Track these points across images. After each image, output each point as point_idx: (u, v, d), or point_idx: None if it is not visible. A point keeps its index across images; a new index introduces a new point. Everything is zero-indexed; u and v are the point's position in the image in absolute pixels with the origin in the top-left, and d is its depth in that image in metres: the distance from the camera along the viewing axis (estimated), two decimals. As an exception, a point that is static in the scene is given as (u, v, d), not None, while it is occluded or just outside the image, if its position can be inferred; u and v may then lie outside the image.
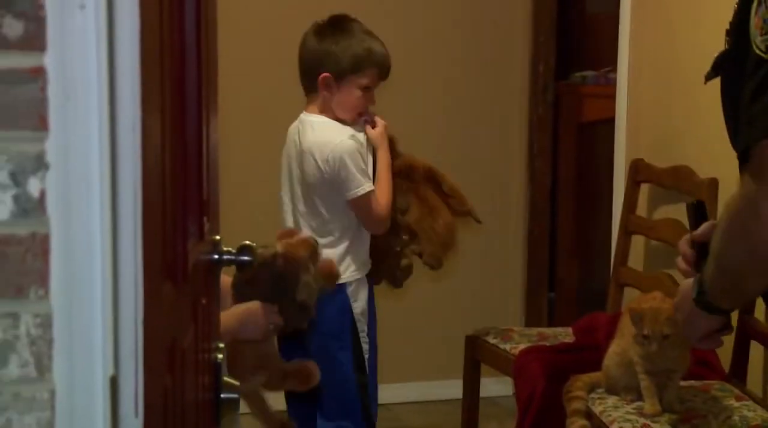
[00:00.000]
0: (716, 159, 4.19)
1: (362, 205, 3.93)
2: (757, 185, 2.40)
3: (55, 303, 1.60)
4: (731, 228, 2.54)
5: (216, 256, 2.57)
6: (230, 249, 2.64)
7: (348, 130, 3.94)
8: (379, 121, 3.97)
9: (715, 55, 2.80)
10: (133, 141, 1.69)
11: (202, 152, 2.41)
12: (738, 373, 4.11)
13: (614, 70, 4.99)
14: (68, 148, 1.60)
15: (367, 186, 3.88)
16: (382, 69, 3.90)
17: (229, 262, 2.66)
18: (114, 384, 1.68)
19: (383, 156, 4.00)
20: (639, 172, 4.72)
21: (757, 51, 2.44)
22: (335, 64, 3.85)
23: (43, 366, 1.62)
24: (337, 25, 3.93)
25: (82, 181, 1.61)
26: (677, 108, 4.48)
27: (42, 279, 1.61)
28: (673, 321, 3.65)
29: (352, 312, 4.11)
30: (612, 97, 4.93)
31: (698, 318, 2.74)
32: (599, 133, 5.59)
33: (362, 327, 4.18)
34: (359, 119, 3.95)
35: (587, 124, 5.58)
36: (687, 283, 2.76)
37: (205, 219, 2.41)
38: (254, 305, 3.35)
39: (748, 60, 2.50)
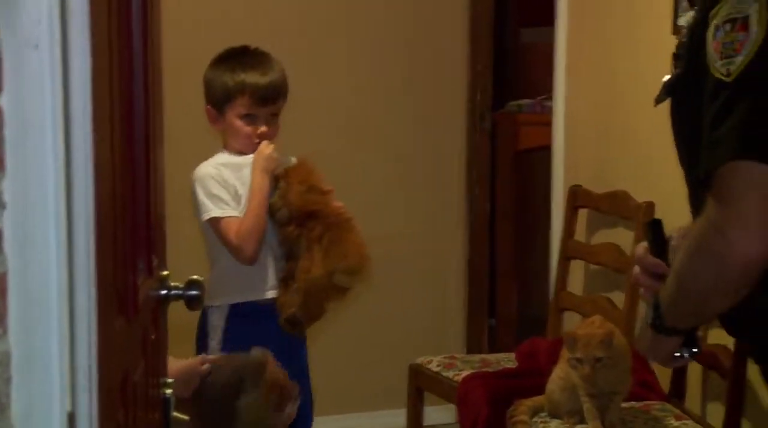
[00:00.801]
0: (652, 183, 4.33)
1: (212, 230, 3.88)
2: (722, 209, 2.46)
3: (14, 341, 1.64)
4: (697, 252, 2.57)
5: (164, 292, 2.60)
6: (178, 284, 2.66)
7: (220, 158, 3.94)
8: (263, 147, 3.90)
9: (653, 79, 2.86)
10: (86, 181, 1.73)
11: (150, 190, 2.49)
12: (677, 393, 4.18)
13: (550, 97, 5.05)
14: (25, 188, 1.63)
15: (213, 212, 3.84)
16: (254, 97, 3.85)
17: (177, 297, 2.65)
18: (72, 420, 1.73)
19: (254, 181, 3.92)
20: (577, 197, 4.78)
21: (717, 74, 2.50)
22: (211, 96, 3.88)
23: (1, 403, 1.66)
24: (223, 57, 3.95)
25: (39, 220, 1.65)
26: (613, 134, 4.60)
27: (0, 317, 1.63)
28: (607, 344, 3.85)
29: (207, 339, 4.04)
30: (548, 124, 4.96)
31: (656, 342, 2.79)
32: (536, 160, 5.65)
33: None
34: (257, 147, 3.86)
35: (524, 151, 5.67)
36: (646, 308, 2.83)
37: (153, 255, 2.50)
38: None
39: (706, 84, 2.55)
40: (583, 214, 4.80)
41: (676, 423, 4.03)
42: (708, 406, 4.32)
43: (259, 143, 3.84)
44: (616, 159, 4.54)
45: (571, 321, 4.65)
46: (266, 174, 3.84)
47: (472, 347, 5.60)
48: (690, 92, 2.69)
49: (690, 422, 4.03)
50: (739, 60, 2.49)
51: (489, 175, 5.58)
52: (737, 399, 4.03)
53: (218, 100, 3.86)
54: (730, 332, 3.19)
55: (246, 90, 3.80)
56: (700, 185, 2.59)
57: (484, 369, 4.57)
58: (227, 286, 3.87)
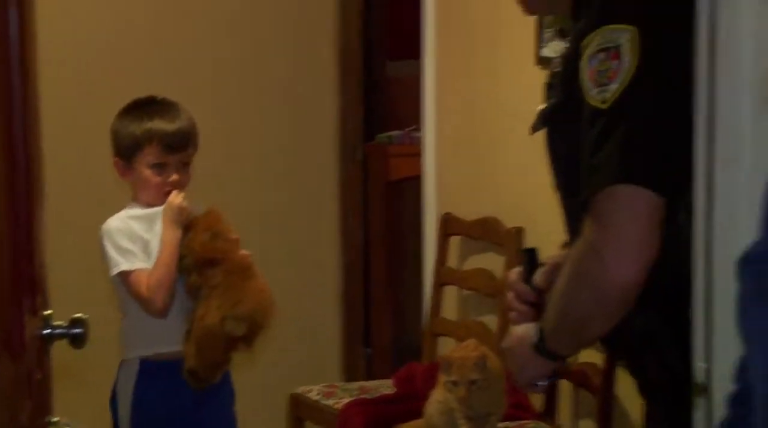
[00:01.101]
0: (521, 208, 4.44)
1: (123, 283, 3.82)
2: (600, 232, 2.54)
3: None
4: (576, 275, 2.63)
5: (48, 331, 2.58)
6: (62, 322, 2.64)
7: (129, 211, 3.89)
8: (172, 197, 3.85)
9: (519, 109, 2.95)
10: None
11: (32, 234, 2.49)
12: (549, 412, 4.29)
13: (418, 128, 5.11)
14: None
15: (122, 265, 3.78)
16: (163, 144, 3.79)
17: (62, 336, 2.62)
18: None
19: (164, 233, 3.88)
20: (448, 224, 4.83)
21: (593, 102, 2.57)
22: (119, 147, 3.83)
23: None
24: (130, 108, 3.90)
25: None
26: (482, 162, 4.70)
27: None
28: (481, 367, 3.93)
29: (116, 396, 3.99)
30: (417, 155, 5.03)
31: (532, 364, 2.81)
32: (407, 189, 5.70)
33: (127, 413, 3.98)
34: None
35: (395, 181, 5.76)
36: (522, 329, 2.86)
37: (37, 295, 2.49)
38: None
39: (582, 112, 2.62)
40: (454, 240, 4.85)
41: (549, 439, 3.77)
42: (579, 423, 4.45)
43: (169, 193, 3.79)
44: (485, 186, 4.61)
45: (445, 346, 4.67)
46: (176, 225, 3.81)
47: (350, 376, 5.64)
48: (566, 120, 2.76)
49: (562, 437, 3.76)
50: (614, 88, 2.56)
51: (362, 205, 5.62)
52: (607, 414, 4.17)
53: (126, 151, 3.82)
54: (607, 350, 3.29)
55: (154, 138, 3.76)
56: (581, 209, 2.66)
57: (362, 396, 4.61)
58: (138, 339, 3.85)
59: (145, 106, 3.82)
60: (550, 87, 2.95)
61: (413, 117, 5.27)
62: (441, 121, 4.94)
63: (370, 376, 5.52)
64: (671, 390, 2.83)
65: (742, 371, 1.84)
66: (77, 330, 2.53)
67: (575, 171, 2.74)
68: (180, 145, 3.77)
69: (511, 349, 2.89)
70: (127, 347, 3.82)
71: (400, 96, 5.99)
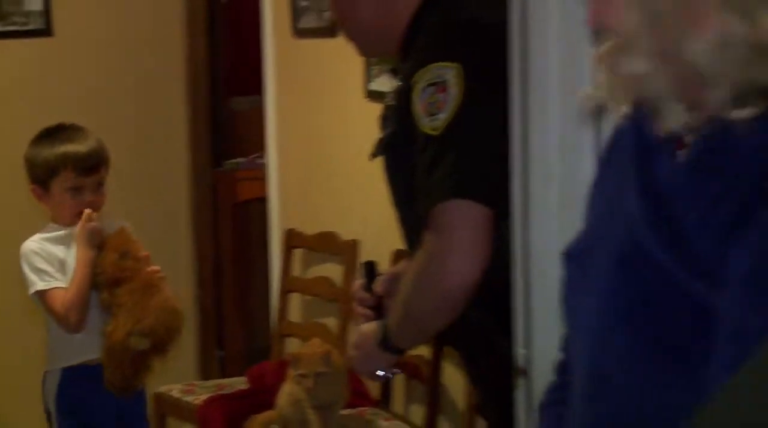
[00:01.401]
0: (355, 223, 4.55)
1: (40, 302, 3.73)
2: (439, 241, 2.62)
3: None
4: (419, 279, 2.70)
5: None
6: None
7: (46, 232, 3.79)
8: (84, 218, 3.70)
9: (350, 136, 3.01)
10: None
11: None
12: (385, 399, 4.38)
13: (261, 155, 5.21)
14: None
15: (38, 285, 3.66)
16: (78, 167, 3.68)
17: None
18: None
19: (78, 253, 3.73)
20: (291, 239, 4.90)
21: (425, 130, 2.64)
22: (35, 174, 3.74)
23: None
24: (42, 136, 3.82)
25: None
26: (320, 183, 4.81)
27: None
28: (326, 360, 4.01)
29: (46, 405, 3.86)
30: (262, 178, 5.10)
31: (376, 357, 2.86)
32: (253, 209, 5.76)
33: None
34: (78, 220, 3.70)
35: (242, 202, 5.87)
36: (367, 327, 2.91)
37: None
38: None
39: (415, 139, 2.70)
40: (297, 252, 4.94)
41: (385, 424, 4.21)
42: (411, 408, 4.50)
43: (79, 216, 3.67)
44: (324, 204, 4.71)
45: (292, 346, 4.77)
46: (89, 245, 3.69)
47: (206, 376, 5.71)
48: (400, 146, 2.84)
49: (397, 422, 4.24)
50: (443, 117, 2.64)
51: (212, 224, 5.72)
52: (435, 400, 4.24)
53: (42, 177, 3.72)
54: (441, 344, 3.36)
55: (68, 162, 3.66)
56: (419, 223, 2.73)
57: (220, 392, 4.61)
58: (60, 351, 3.76)
59: (56, 133, 3.74)
60: (384, 118, 2.96)
61: (257, 145, 5.36)
62: (282, 148, 5.04)
63: (224, 376, 5.56)
64: (501, 377, 2.85)
65: (565, 345, 1.91)
66: None
67: (411, 191, 2.83)
68: (93, 167, 3.68)
69: (357, 345, 2.94)
70: (50, 359, 3.77)
71: (245, 127, 6.10)
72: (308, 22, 4.95)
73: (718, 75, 1.58)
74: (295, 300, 4.92)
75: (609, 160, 1.81)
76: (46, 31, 5.56)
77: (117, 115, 5.25)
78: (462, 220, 2.64)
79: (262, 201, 5.29)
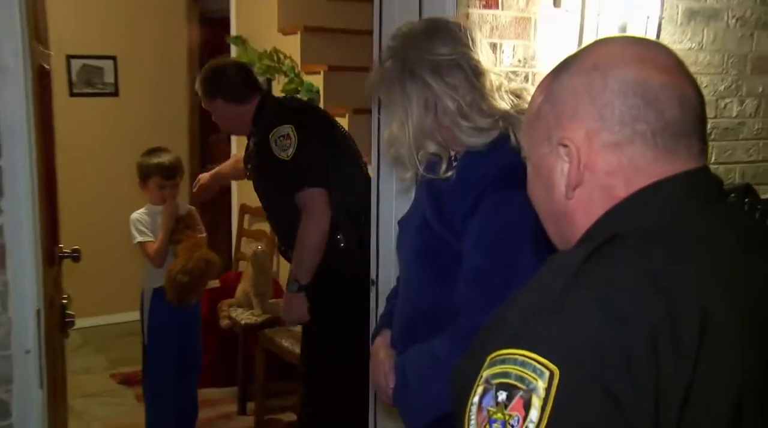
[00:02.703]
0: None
1: (139, 248, 3.46)
2: (308, 210, 2.76)
3: (10, 275, 1.81)
4: (304, 235, 2.76)
5: (60, 254, 2.36)
6: (66, 250, 2.39)
7: (145, 208, 3.49)
8: (167, 203, 3.44)
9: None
10: (34, 200, 1.81)
11: (56, 209, 2.27)
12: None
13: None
14: (12, 203, 1.77)
15: (137, 238, 3.46)
16: (162, 175, 3.47)
17: (66, 256, 2.38)
18: (38, 314, 1.86)
19: (162, 222, 3.41)
20: (243, 209, 4.66)
21: (282, 157, 2.72)
22: (139, 175, 3.50)
23: (5, 304, 1.82)
24: (145, 153, 3.52)
25: (18, 220, 1.77)
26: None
27: (2, 266, 1.80)
28: (260, 255, 3.91)
29: (142, 307, 3.57)
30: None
31: (294, 300, 2.87)
32: (225, 192, 5.09)
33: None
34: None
35: (222, 189, 4.78)
36: (286, 296, 2.91)
37: (57, 242, 2.29)
38: None
39: (272, 166, 2.78)
40: (246, 216, 4.67)
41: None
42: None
43: (165, 199, 3.49)
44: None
45: (243, 265, 4.51)
46: (168, 218, 3.40)
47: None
48: (261, 172, 2.95)
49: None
50: (290, 151, 2.73)
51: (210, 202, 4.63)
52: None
53: (143, 177, 3.49)
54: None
55: (157, 170, 3.46)
56: (276, 211, 2.88)
57: (205, 288, 3.84)
58: (150, 278, 3.52)
59: (152, 151, 3.48)
60: (247, 158, 3.12)
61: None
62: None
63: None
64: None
65: (397, 279, 1.92)
66: (75, 255, 2.40)
67: (269, 194, 2.96)
68: (172, 174, 3.48)
69: (284, 308, 2.95)
70: (146, 282, 3.56)
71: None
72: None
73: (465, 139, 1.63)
74: (244, 241, 4.70)
75: (420, 181, 1.77)
76: (115, 93, 5.48)
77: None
78: (316, 197, 2.77)
79: (229, 188, 5.10)
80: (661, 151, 0.89)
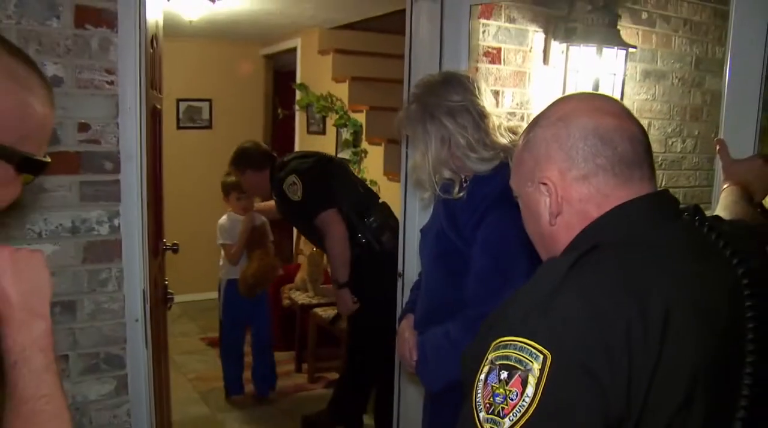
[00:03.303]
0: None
1: (221, 248, 3.42)
2: (329, 227, 2.70)
3: (124, 264, 1.85)
4: (333, 247, 2.71)
5: (164, 247, 2.34)
6: (167, 243, 2.36)
7: (228, 216, 3.44)
8: (246, 215, 3.40)
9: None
10: (143, 206, 1.81)
11: (162, 213, 2.26)
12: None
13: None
14: (126, 206, 1.80)
15: (220, 240, 3.40)
16: (238, 190, 3.36)
17: (167, 249, 2.37)
18: (144, 294, 1.86)
19: (241, 229, 3.38)
20: None
21: (295, 199, 2.68)
22: (222, 190, 3.45)
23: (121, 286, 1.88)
24: (227, 173, 3.38)
25: (132, 219, 1.80)
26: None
27: (119, 256, 1.85)
28: (314, 255, 3.82)
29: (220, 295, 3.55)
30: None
31: (343, 295, 2.75)
32: None
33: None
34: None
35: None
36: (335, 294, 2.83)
37: (162, 237, 2.28)
38: None
39: (291, 204, 2.73)
40: None
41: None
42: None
43: (244, 210, 3.45)
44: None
45: (302, 258, 4.38)
46: (246, 227, 3.38)
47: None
48: (288, 211, 2.85)
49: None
50: (299, 193, 2.68)
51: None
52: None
53: (225, 192, 3.45)
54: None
55: (235, 187, 3.37)
56: (314, 227, 2.76)
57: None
58: (226, 272, 3.47)
59: (231, 174, 3.34)
60: (277, 207, 3.00)
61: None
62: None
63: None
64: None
65: (419, 274, 1.87)
66: (174, 247, 2.43)
67: (300, 221, 2.94)
68: (243, 191, 3.38)
69: (337, 301, 2.87)
70: (223, 274, 3.51)
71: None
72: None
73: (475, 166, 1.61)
74: (303, 240, 4.31)
75: (437, 199, 1.74)
76: (209, 127, 5.53)
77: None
78: (331, 216, 2.73)
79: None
80: (620, 179, 0.90)
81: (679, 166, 2.96)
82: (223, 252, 3.46)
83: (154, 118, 2.02)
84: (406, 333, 1.75)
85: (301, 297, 3.95)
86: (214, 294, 4.85)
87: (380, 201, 3.01)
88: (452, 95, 1.57)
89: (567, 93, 2.19)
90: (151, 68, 1.92)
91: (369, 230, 2.83)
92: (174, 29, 4.33)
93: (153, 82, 2.00)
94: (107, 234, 1.71)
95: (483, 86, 1.64)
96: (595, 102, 0.94)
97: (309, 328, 3.83)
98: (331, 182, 2.88)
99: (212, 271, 4.61)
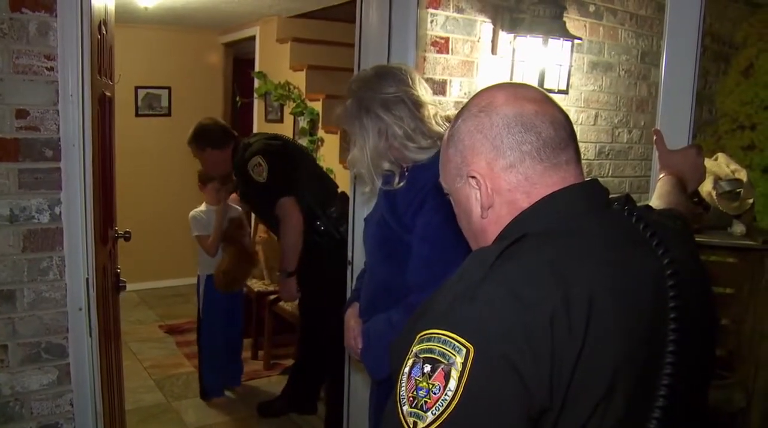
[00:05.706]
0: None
1: (196, 240, 3.29)
2: (285, 214, 2.70)
3: (66, 252, 1.79)
4: (287, 234, 2.70)
5: (115, 235, 2.29)
6: (119, 231, 2.31)
7: (202, 207, 3.30)
8: (221, 207, 3.28)
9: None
10: (87, 187, 1.74)
11: (113, 194, 2.18)
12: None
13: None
14: (69, 192, 1.74)
15: (195, 232, 3.26)
16: (219, 180, 3.25)
17: (119, 237, 2.30)
18: (87, 282, 1.83)
19: (215, 220, 3.25)
20: None
21: (260, 180, 2.64)
22: (199, 180, 3.33)
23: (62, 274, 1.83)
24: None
25: (74, 206, 1.73)
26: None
27: (60, 244, 1.79)
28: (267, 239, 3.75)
29: (198, 290, 3.39)
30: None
31: (287, 286, 2.78)
32: None
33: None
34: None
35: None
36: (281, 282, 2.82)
37: (113, 224, 2.22)
38: None
39: (253, 185, 2.69)
40: None
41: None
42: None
43: (219, 201, 3.34)
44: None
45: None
46: (221, 218, 3.27)
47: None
48: (249, 192, 2.83)
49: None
50: (264, 174, 2.63)
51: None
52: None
53: (202, 181, 3.32)
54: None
55: (213, 177, 3.26)
56: (272, 211, 2.74)
57: None
58: (203, 266, 3.36)
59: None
60: (236, 188, 3.06)
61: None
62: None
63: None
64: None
65: (365, 263, 1.85)
66: (126, 235, 2.36)
67: (258, 203, 2.92)
68: (225, 181, 3.30)
69: (280, 289, 2.86)
70: (200, 269, 3.39)
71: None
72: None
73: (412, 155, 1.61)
74: (260, 229, 4.22)
75: (380, 191, 1.75)
76: (168, 114, 5.35)
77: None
78: (289, 204, 2.72)
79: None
80: (547, 164, 0.89)
81: (626, 156, 2.95)
82: (199, 245, 3.34)
83: (102, 105, 1.96)
84: (351, 321, 1.76)
85: (257, 285, 3.90)
86: (174, 282, 5.11)
87: (340, 191, 2.99)
88: (386, 88, 1.57)
89: (513, 80, 2.24)
90: (99, 54, 1.86)
91: (329, 219, 2.81)
92: (130, 15, 4.19)
93: (101, 68, 1.93)
94: (48, 222, 1.66)
95: (417, 76, 1.64)
96: (514, 90, 0.93)
97: (265, 316, 3.78)
98: (297, 168, 2.86)
99: (172, 259, 5.11)
